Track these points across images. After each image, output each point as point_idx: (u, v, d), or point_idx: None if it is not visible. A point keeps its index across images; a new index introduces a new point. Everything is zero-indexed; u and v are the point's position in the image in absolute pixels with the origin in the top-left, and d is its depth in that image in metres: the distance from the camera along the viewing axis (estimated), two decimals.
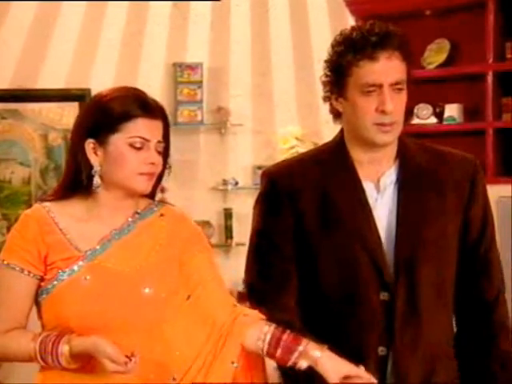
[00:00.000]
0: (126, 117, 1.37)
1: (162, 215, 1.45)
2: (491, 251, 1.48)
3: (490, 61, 3.00)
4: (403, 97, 1.39)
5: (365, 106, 1.37)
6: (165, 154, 1.43)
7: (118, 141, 1.37)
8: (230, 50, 3.60)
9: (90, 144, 1.39)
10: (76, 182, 1.40)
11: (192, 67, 3.51)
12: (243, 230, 3.71)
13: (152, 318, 1.38)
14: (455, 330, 1.49)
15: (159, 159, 1.40)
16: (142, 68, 3.42)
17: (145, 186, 1.39)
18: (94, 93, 3.77)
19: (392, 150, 1.44)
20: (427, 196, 1.43)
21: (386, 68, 1.35)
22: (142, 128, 1.37)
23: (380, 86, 1.36)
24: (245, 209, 3.62)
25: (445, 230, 1.43)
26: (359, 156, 1.44)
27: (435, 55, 3.21)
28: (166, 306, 1.39)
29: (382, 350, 1.39)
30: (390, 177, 1.44)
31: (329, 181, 1.44)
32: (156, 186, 1.45)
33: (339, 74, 1.38)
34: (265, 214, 1.49)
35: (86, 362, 1.32)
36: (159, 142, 1.40)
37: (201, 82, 3.52)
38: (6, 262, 1.38)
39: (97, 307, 1.35)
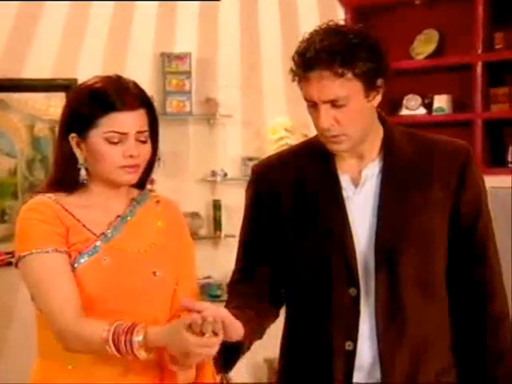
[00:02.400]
0: (101, 112, 1.36)
1: (157, 202, 1.48)
2: (487, 239, 1.44)
3: (479, 51, 3.00)
4: (349, 110, 1.34)
5: (313, 118, 1.38)
6: (153, 140, 1.43)
7: (95, 136, 1.37)
8: (219, 40, 3.58)
9: (73, 138, 1.40)
10: (67, 176, 1.41)
11: (180, 57, 3.48)
12: (232, 222, 3.70)
13: (158, 303, 1.40)
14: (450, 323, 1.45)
15: (141, 150, 1.39)
16: (129, 58, 3.38)
17: (128, 178, 1.40)
18: (80, 83, 3.73)
19: (374, 142, 1.42)
20: (411, 188, 1.40)
21: (318, 88, 1.33)
22: (118, 122, 1.36)
23: (316, 104, 1.35)
24: (234, 200, 3.61)
25: (430, 222, 1.39)
26: None
27: (424, 46, 3.21)
28: (170, 291, 1.41)
29: (349, 345, 1.37)
30: (372, 169, 1.41)
31: (306, 174, 1.43)
32: (147, 175, 1.46)
33: (298, 79, 1.38)
34: (247, 204, 1.51)
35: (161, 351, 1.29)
36: (140, 132, 1.38)
37: (189, 72, 3.49)
38: (43, 250, 1.35)
39: (116, 288, 1.36)
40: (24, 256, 1.37)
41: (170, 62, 3.45)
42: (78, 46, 3.31)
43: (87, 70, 3.26)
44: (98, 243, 1.38)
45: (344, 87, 1.33)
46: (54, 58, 3.29)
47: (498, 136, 3.06)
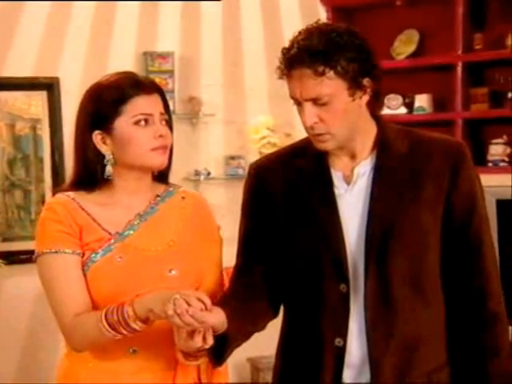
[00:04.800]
0: (123, 99, 1.40)
1: (183, 198, 1.50)
2: (482, 237, 1.43)
3: (459, 52, 3.04)
4: (332, 109, 1.35)
5: (300, 116, 1.39)
6: (169, 126, 1.46)
7: (123, 123, 1.40)
8: (202, 39, 3.58)
9: (97, 136, 1.42)
10: (90, 175, 1.42)
11: (163, 56, 3.47)
12: (215, 221, 3.70)
13: None
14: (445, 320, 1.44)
15: (167, 130, 1.43)
16: (111, 56, 3.37)
17: (160, 160, 1.42)
18: (62, 81, 3.69)
19: (366, 141, 1.43)
20: (403, 186, 1.40)
21: (300, 86, 1.35)
22: (142, 105, 1.40)
23: (300, 102, 1.37)
24: (217, 199, 3.60)
25: (421, 221, 1.39)
26: None
27: (404, 46, 3.24)
28: (189, 289, 1.40)
29: (339, 341, 1.38)
30: (364, 167, 1.42)
31: (300, 172, 1.44)
32: (168, 166, 1.48)
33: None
34: (244, 203, 1.52)
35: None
36: (162, 113, 1.43)
37: (172, 71, 3.49)
38: (52, 250, 1.38)
39: (130, 287, 1.37)
40: (38, 255, 1.41)
41: (152, 61, 3.45)
42: (59, 45, 3.29)
43: (69, 69, 3.26)
44: (112, 242, 1.40)
45: (325, 86, 1.34)
46: (35, 56, 3.26)
47: (477, 135, 3.11)
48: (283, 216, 1.44)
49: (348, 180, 1.43)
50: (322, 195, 1.41)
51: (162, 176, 1.50)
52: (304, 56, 1.33)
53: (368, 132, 1.43)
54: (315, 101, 1.35)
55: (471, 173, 1.44)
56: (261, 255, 1.47)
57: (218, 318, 1.32)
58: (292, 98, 1.38)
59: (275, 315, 1.50)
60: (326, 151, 1.42)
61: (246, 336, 1.44)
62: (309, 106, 1.36)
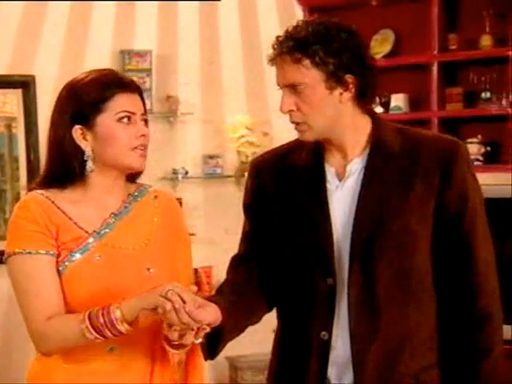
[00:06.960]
0: (107, 95, 1.38)
1: (155, 197, 1.49)
2: (473, 237, 1.42)
3: (435, 52, 3.08)
4: (308, 98, 1.37)
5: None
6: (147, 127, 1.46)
7: (106, 119, 1.39)
8: (179, 38, 3.57)
9: (77, 130, 1.39)
10: (66, 171, 1.40)
11: (140, 55, 3.46)
12: (193, 220, 3.70)
13: None
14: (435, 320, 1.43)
15: (148, 131, 1.43)
16: (88, 55, 3.34)
17: (140, 161, 1.42)
18: (38, 79, 3.65)
19: (358, 138, 1.43)
20: (393, 185, 1.40)
21: (281, 72, 1.40)
22: (125, 102, 1.40)
23: (281, 88, 1.40)
24: (195, 198, 3.60)
25: (409, 220, 1.39)
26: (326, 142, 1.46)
27: (380, 45, 3.26)
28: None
29: (324, 335, 1.39)
30: (356, 164, 1.43)
31: (295, 166, 1.46)
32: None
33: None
34: (244, 200, 1.55)
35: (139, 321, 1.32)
36: (142, 114, 1.43)
37: (150, 69, 3.47)
38: (26, 251, 1.35)
39: (110, 285, 1.36)
40: (9, 255, 1.37)
41: (130, 60, 3.43)
42: (35, 42, 3.26)
43: (45, 67, 3.23)
44: (91, 241, 1.39)
45: (302, 74, 1.37)
46: (10, 54, 3.22)
47: (453, 135, 3.14)
48: (278, 210, 1.46)
49: (340, 176, 1.44)
50: (314, 189, 1.43)
51: (132, 176, 1.49)
52: (288, 43, 1.37)
53: (360, 129, 1.44)
54: (293, 88, 1.38)
55: (465, 171, 1.42)
56: (259, 251, 1.49)
57: (213, 315, 1.34)
58: (278, 85, 1.41)
59: (270, 309, 1.51)
60: (305, 142, 1.43)
61: (241, 329, 1.45)
62: (287, 93, 1.39)
